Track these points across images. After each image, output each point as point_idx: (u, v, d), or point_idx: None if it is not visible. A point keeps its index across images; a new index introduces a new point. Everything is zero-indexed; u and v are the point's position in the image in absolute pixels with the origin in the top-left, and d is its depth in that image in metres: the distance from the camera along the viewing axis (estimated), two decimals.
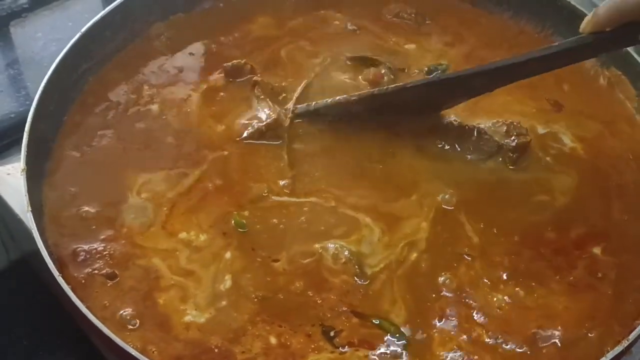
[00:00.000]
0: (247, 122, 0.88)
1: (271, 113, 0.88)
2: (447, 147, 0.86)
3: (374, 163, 0.85)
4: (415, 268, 0.76)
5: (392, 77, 0.93)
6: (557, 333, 0.71)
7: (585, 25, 0.71)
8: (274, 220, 0.79)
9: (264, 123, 0.87)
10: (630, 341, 0.69)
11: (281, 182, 0.82)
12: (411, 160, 0.85)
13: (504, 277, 0.76)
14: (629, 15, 0.67)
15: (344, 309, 0.73)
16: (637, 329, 0.69)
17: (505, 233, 0.79)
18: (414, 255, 0.77)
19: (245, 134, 0.86)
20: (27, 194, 0.74)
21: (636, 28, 0.68)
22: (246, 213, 0.79)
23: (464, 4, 1.03)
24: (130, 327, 0.70)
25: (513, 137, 0.85)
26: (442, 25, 1.01)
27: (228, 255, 0.76)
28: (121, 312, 0.71)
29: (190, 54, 0.97)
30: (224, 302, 0.73)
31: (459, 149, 0.86)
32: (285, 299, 0.73)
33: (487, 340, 0.71)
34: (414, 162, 0.85)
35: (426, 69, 0.95)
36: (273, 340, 0.70)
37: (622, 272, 0.76)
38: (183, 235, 0.77)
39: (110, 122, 0.88)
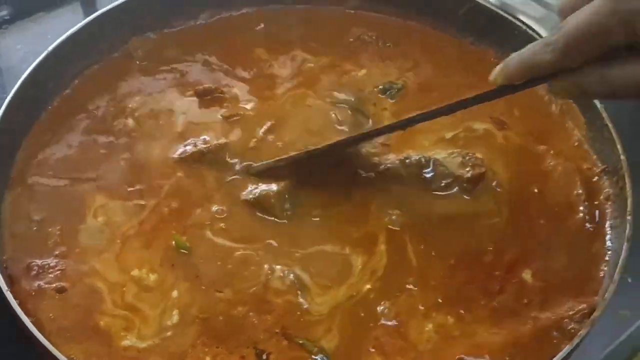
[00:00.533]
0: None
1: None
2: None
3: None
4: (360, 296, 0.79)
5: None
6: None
7: (495, 77, 0.72)
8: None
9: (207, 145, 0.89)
10: None
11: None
12: (365, 193, 0.87)
13: (439, 301, 0.78)
14: (539, 73, 0.69)
15: (277, 331, 0.75)
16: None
17: (443, 256, 0.82)
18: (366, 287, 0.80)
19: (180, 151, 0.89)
20: None
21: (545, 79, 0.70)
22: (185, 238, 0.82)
23: (426, 27, 1.06)
24: (74, 340, 0.73)
25: (468, 169, 0.88)
26: (403, 49, 1.04)
27: (175, 293, 0.78)
28: (66, 325, 0.74)
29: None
30: (169, 333, 0.76)
31: (416, 182, 0.88)
32: (225, 321, 0.76)
33: None
34: (368, 195, 0.87)
35: (381, 86, 0.98)
36: None
37: (546, 298, 0.79)
38: (135, 272, 0.80)
39: (76, 139, 0.91)
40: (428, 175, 0.88)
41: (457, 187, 0.88)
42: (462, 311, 0.78)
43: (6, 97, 0.89)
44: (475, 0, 1.02)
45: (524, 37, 0.98)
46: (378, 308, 0.78)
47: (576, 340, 0.72)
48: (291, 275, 0.79)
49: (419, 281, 0.80)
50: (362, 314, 0.78)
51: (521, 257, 0.82)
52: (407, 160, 0.89)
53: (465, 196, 0.87)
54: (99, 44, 1.00)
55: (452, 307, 0.78)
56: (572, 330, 0.75)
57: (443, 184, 0.88)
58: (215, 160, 0.89)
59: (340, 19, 1.08)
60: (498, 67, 0.72)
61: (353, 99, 0.97)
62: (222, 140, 0.90)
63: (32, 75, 0.92)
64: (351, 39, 1.05)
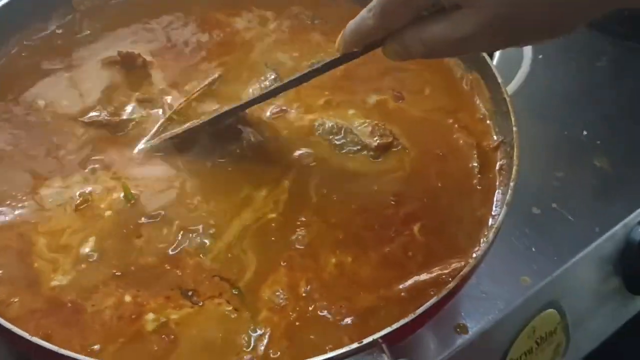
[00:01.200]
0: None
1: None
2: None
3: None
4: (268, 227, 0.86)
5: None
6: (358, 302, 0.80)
7: (337, 47, 0.78)
8: None
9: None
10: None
11: None
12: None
13: (340, 238, 0.85)
14: (369, 39, 0.75)
15: (204, 275, 0.82)
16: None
17: (344, 200, 0.88)
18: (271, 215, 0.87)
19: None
20: None
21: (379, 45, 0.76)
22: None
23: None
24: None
25: (376, 138, 0.94)
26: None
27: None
28: None
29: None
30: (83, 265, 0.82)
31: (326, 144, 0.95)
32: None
33: (303, 294, 0.81)
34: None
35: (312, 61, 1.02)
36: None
37: (428, 254, 0.85)
38: None
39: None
40: (338, 142, 0.94)
41: (364, 153, 0.93)
42: (357, 253, 0.84)
43: None
44: None
45: None
46: (292, 236, 0.85)
47: (444, 292, 0.77)
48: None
49: (320, 218, 0.87)
50: (273, 239, 0.85)
51: (415, 213, 0.88)
52: (320, 127, 0.95)
53: (372, 159, 0.93)
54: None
55: (350, 248, 0.84)
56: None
57: (351, 150, 0.94)
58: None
59: None
60: (339, 37, 0.77)
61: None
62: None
63: None
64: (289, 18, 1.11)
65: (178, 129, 0.93)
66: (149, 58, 1.03)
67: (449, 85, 1.02)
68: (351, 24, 0.75)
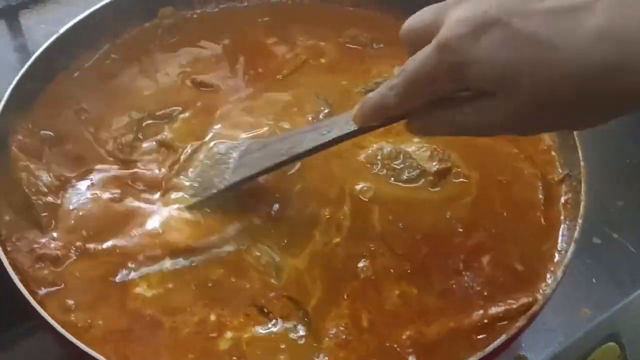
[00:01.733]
0: None
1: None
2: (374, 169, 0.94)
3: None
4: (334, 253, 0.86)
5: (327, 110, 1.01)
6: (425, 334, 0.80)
7: (354, 118, 0.76)
8: None
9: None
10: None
11: None
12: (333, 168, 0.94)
13: (407, 270, 0.85)
14: (389, 114, 0.72)
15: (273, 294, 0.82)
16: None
17: (410, 230, 0.88)
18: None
19: None
20: None
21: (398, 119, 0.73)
22: None
23: None
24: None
25: (435, 162, 0.94)
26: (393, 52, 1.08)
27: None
28: None
29: None
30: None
31: (384, 170, 0.94)
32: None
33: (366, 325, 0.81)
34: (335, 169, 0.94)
35: (365, 89, 1.02)
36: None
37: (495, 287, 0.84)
38: None
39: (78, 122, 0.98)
40: (398, 167, 0.94)
41: (423, 180, 0.93)
42: (423, 284, 0.83)
43: None
44: None
45: None
46: (357, 265, 0.84)
47: (513, 331, 0.77)
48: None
49: (385, 247, 0.86)
50: (339, 266, 0.84)
51: (483, 243, 0.87)
52: (379, 151, 0.95)
53: (429, 188, 0.92)
54: (113, 26, 1.07)
55: (416, 278, 0.84)
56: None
57: (411, 176, 0.93)
58: None
59: (338, 16, 1.14)
60: (356, 108, 0.75)
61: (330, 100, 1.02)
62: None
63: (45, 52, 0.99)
64: (347, 40, 1.11)
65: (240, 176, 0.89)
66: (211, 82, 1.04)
67: None
68: (371, 98, 0.72)
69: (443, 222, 0.90)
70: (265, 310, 0.81)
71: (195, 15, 1.13)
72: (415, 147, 0.96)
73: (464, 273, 0.85)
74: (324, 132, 0.80)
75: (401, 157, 0.94)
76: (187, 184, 0.91)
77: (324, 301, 0.83)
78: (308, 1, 1.15)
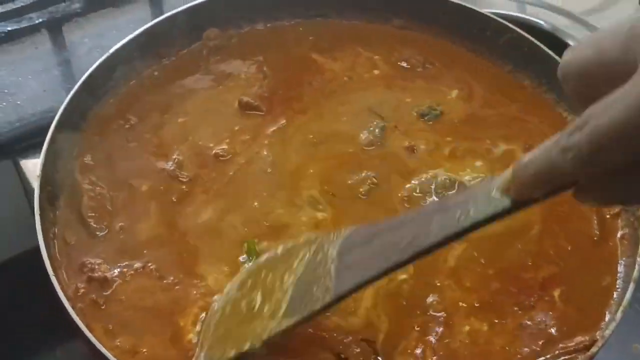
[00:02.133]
0: None
1: None
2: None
3: None
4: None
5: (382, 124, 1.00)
6: None
7: (502, 190, 0.56)
8: None
9: None
10: None
11: None
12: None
13: (476, 305, 0.83)
14: (558, 185, 0.54)
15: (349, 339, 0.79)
16: None
17: (479, 263, 0.86)
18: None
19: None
20: (37, 199, 0.84)
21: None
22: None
23: (468, 53, 1.10)
24: None
25: None
26: (446, 74, 1.08)
27: None
28: None
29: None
30: None
31: None
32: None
33: None
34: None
35: (419, 110, 1.02)
36: None
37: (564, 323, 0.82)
38: None
39: (129, 139, 0.97)
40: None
41: None
42: (495, 320, 0.82)
43: (68, 87, 0.97)
44: (516, 31, 1.05)
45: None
46: (427, 300, 0.82)
47: None
48: None
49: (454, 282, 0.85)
50: (404, 303, 0.82)
51: (553, 277, 0.86)
52: (434, 180, 0.93)
53: None
54: (161, 45, 1.06)
55: (487, 314, 0.82)
56: None
57: None
58: None
59: (388, 36, 1.12)
60: (506, 176, 0.56)
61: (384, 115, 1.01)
62: None
63: (98, 69, 0.98)
64: (397, 58, 1.09)
65: None
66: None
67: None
68: (532, 162, 0.53)
69: (514, 255, 0.88)
70: (343, 357, 0.78)
71: (241, 34, 1.12)
72: (470, 176, 0.94)
73: (537, 308, 0.83)
74: (458, 212, 0.59)
75: (456, 186, 0.92)
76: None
77: (391, 336, 0.81)
78: (356, 20, 1.14)
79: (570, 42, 1.24)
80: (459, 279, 0.85)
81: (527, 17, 1.32)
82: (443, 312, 0.82)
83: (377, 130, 0.99)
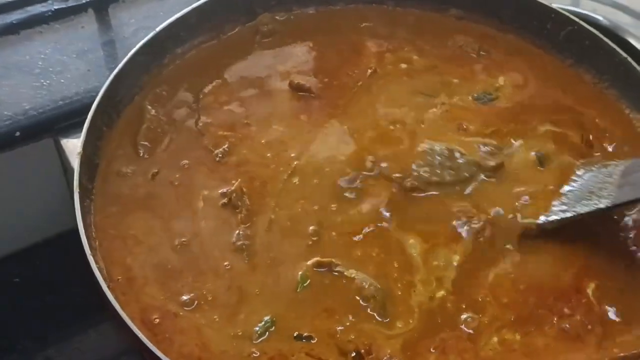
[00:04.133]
0: None
1: None
2: None
3: None
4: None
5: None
6: None
7: None
8: None
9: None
10: None
11: None
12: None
13: (511, 319, 0.79)
14: None
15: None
16: None
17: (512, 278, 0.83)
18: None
19: None
20: (77, 176, 0.82)
21: None
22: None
23: (527, 44, 1.06)
24: None
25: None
26: (502, 63, 1.05)
27: None
28: None
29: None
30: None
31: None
32: None
33: None
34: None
35: (475, 95, 1.00)
36: None
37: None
38: None
39: (172, 122, 0.95)
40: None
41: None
42: (532, 329, 0.79)
43: (113, 67, 0.95)
44: (578, 23, 1.01)
45: (623, 64, 0.97)
46: (461, 316, 0.79)
47: None
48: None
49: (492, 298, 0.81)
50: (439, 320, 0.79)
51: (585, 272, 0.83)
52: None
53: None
54: (207, 26, 1.05)
55: (523, 326, 0.79)
56: None
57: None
58: None
59: (444, 25, 1.10)
60: None
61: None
62: None
63: (134, 56, 0.96)
64: (453, 46, 1.07)
65: None
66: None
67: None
68: None
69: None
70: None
71: (292, 17, 1.09)
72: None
73: (577, 311, 0.80)
74: None
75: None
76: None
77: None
78: (413, 9, 1.11)
79: (630, 39, 1.18)
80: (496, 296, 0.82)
81: (584, 11, 1.26)
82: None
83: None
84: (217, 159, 0.91)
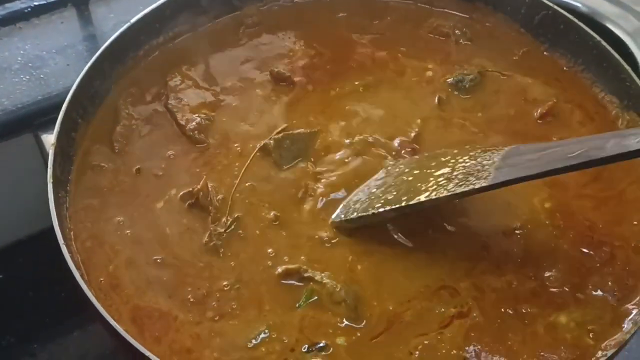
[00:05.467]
0: None
1: None
2: None
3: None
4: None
5: None
6: None
7: None
8: None
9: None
10: None
11: None
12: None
13: None
14: None
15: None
16: None
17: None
18: None
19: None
20: (51, 167, 0.83)
21: None
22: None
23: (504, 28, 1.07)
24: None
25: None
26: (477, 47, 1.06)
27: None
28: None
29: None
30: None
31: None
32: None
33: None
34: None
35: (451, 79, 1.00)
36: None
37: None
38: None
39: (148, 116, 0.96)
40: None
41: None
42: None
43: None
44: (552, 7, 1.01)
45: (597, 48, 0.98)
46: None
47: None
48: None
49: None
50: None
51: None
52: None
53: None
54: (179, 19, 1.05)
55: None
56: None
57: None
58: None
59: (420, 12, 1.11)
60: None
61: None
62: None
63: (108, 48, 0.97)
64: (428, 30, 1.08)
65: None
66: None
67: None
68: None
69: None
70: None
71: (275, 8, 1.10)
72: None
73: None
74: (633, 139, 0.72)
75: None
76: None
77: None
78: None
79: (609, 25, 1.19)
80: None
81: None
82: None
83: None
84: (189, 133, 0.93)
